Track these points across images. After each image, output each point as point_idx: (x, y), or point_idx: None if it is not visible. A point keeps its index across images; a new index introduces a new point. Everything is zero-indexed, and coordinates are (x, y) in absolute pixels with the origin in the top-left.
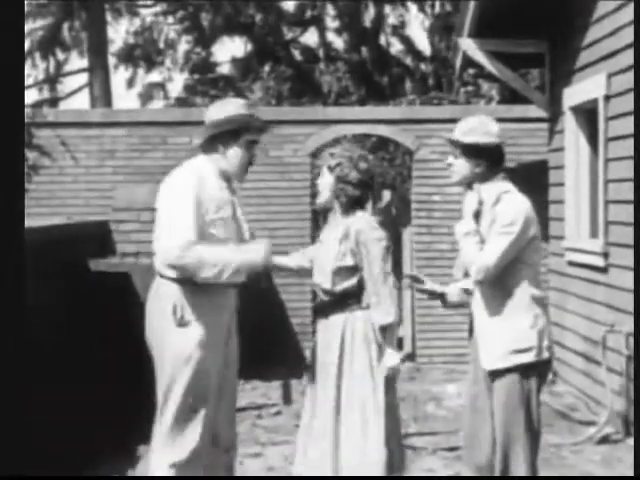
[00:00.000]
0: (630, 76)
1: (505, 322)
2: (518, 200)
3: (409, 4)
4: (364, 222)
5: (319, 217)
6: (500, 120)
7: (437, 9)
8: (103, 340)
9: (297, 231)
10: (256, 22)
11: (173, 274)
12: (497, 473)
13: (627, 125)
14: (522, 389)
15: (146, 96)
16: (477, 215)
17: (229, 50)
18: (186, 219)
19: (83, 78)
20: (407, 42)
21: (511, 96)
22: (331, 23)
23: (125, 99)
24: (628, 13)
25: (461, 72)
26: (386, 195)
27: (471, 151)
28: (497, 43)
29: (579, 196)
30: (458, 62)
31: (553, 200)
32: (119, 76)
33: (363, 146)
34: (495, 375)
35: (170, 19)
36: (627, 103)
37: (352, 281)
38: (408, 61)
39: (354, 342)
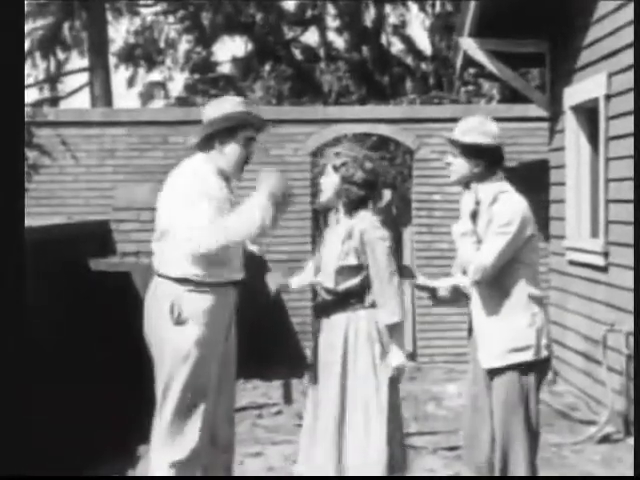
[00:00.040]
0: (630, 75)
1: (503, 321)
2: (515, 200)
3: (410, 4)
4: (368, 222)
5: (319, 216)
6: (501, 119)
7: (438, 9)
8: (103, 340)
9: (297, 230)
10: (257, 21)
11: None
12: (496, 473)
13: (627, 124)
14: (521, 388)
15: (146, 95)
16: (474, 215)
17: (230, 49)
18: (202, 210)
19: (84, 77)
20: (408, 42)
21: (512, 95)
22: (332, 22)
23: (125, 98)
24: (628, 13)
25: (462, 71)
26: (387, 194)
27: (470, 151)
28: (498, 43)
29: (580, 195)
30: (459, 61)
31: (554, 199)
32: (119, 75)
33: (363, 145)
34: (494, 374)
35: (170, 18)
36: (627, 102)
37: (355, 280)
38: (409, 60)
39: (357, 341)
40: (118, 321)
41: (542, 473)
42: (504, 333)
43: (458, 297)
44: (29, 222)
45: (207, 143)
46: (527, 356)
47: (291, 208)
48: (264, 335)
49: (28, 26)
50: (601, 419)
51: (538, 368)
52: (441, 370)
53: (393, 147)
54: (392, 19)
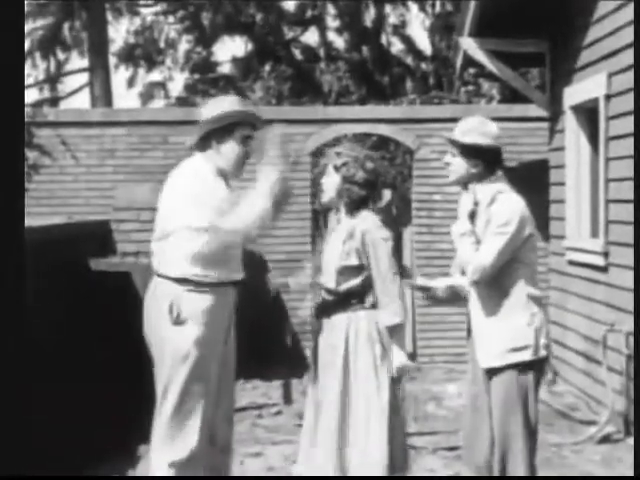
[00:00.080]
0: (630, 75)
1: (502, 321)
2: (513, 200)
3: (410, 4)
4: (370, 222)
5: (319, 216)
6: (501, 119)
7: (438, 9)
8: (103, 340)
9: (297, 230)
10: (257, 22)
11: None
12: (496, 473)
13: (627, 124)
14: (519, 387)
15: (147, 96)
16: (472, 215)
17: (230, 49)
18: (202, 210)
19: (84, 78)
20: (408, 41)
21: (512, 95)
22: (332, 23)
23: (126, 99)
24: (628, 13)
25: (462, 71)
26: (386, 194)
27: (469, 151)
28: (498, 42)
29: (580, 195)
30: (459, 61)
31: (554, 199)
32: (119, 76)
33: (364, 145)
34: (492, 373)
35: (170, 19)
36: (627, 102)
37: (356, 281)
38: (409, 60)
39: (358, 342)
40: (118, 321)
41: (542, 473)
42: (503, 333)
43: (454, 297)
44: (29, 222)
45: (205, 143)
46: (526, 356)
47: (291, 208)
48: (264, 335)
49: (28, 26)
50: (601, 419)
51: (537, 368)
52: (441, 370)
53: (393, 147)
54: (392, 19)
